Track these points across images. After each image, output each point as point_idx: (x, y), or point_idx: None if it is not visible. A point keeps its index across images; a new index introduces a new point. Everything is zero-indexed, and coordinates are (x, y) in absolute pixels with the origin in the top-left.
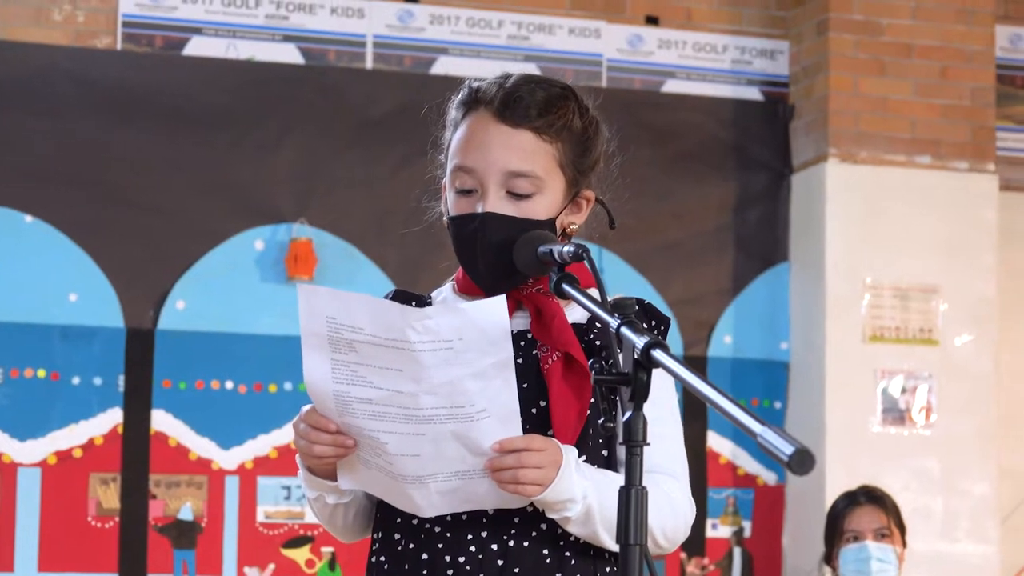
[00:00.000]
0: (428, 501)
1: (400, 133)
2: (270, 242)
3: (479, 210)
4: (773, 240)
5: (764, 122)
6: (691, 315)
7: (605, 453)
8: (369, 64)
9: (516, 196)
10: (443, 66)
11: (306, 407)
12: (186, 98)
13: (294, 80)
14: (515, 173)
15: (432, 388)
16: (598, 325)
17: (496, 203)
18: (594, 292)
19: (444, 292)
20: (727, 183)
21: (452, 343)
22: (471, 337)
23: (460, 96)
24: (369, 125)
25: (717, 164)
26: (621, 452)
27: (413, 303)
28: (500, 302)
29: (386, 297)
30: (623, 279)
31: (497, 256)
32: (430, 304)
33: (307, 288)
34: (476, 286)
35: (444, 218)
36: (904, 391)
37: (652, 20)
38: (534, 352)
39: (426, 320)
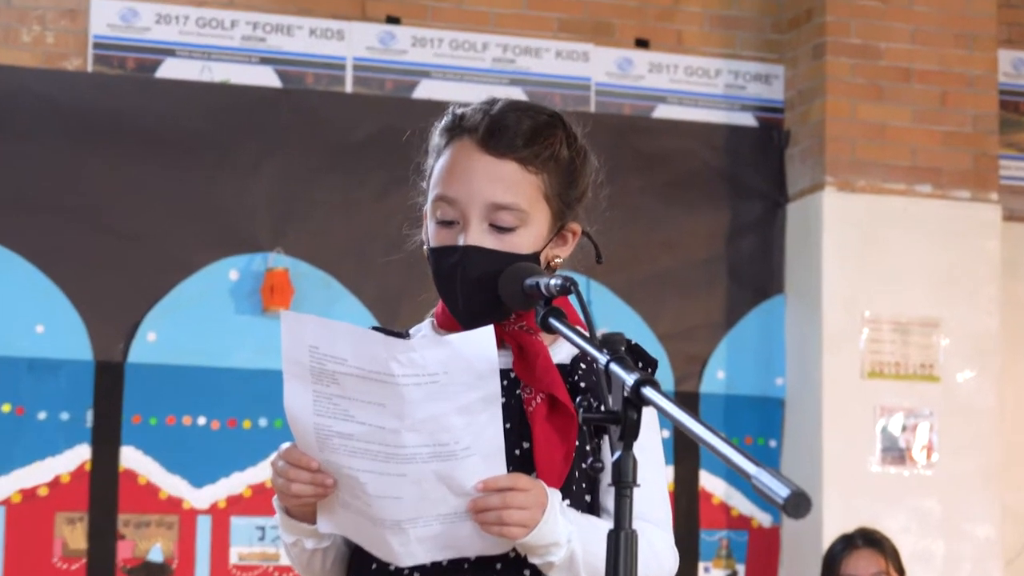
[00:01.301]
0: (407, 549)
1: (381, 159)
2: (245, 272)
3: (460, 242)
4: (768, 271)
5: (758, 149)
6: (682, 349)
7: (588, 498)
8: (349, 87)
9: (499, 229)
10: (426, 90)
11: (286, 444)
12: (159, 122)
13: (271, 104)
14: (498, 206)
15: (415, 424)
16: (583, 366)
17: (478, 236)
18: (581, 328)
19: (423, 328)
20: (720, 212)
21: (437, 376)
22: (457, 370)
23: (443, 122)
24: (349, 150)
25: (710, 192)
26: (605, 498)
27: None
28: (488, 333)
29: None
30: (612, 312)
31: (477, 291)
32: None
33: (291, 315)
34: (456, 322)
35: (424, 247)
36: (904, 429)
37: (642, 43)
38: (517, 392)
39: (411, 352)
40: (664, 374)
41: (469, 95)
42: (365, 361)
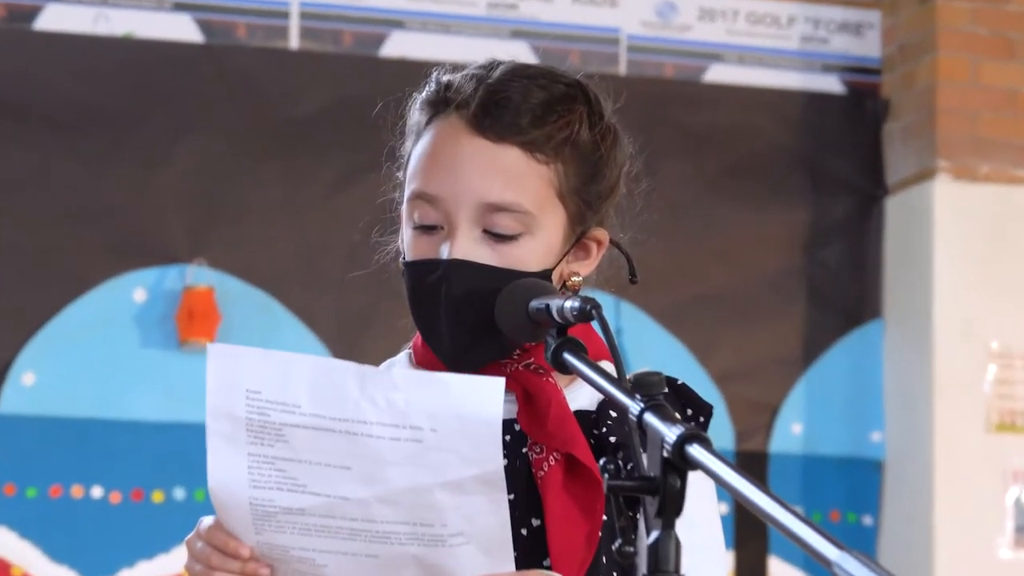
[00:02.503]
0: None
1: (338, 140)
2: (155, 291)
3: (444, 255)
4: (860, 289)
5: (847, 124)
6: (745, 395)
7: None
8: (294, 43)
9: (496, 237)
10: (398, 45)
11: (206, 520)
12: (36, 90)
13: (189, 65)
14: (495, 206)
15: (390, 495)
16: (613, 413)
17: (467, 246)
18: (608, 365)
19: (398, 366)
20: (795, 210)
21: (421, 433)
22: (448, 431)
23: (425, 93)
24: (294, 128)
25: (781, 184)
26: None
27: None
28: (495, 387)
29: None
30: (649, 344)
31: (466, 319)
32: None
33: (221, 349)
34: (439, 360)
35: (400, 260)
36: None
37: None
38: (523, 451)
39: (391, 392)
40: (720, 427)
41: (457, 53)
42: (327, 405)
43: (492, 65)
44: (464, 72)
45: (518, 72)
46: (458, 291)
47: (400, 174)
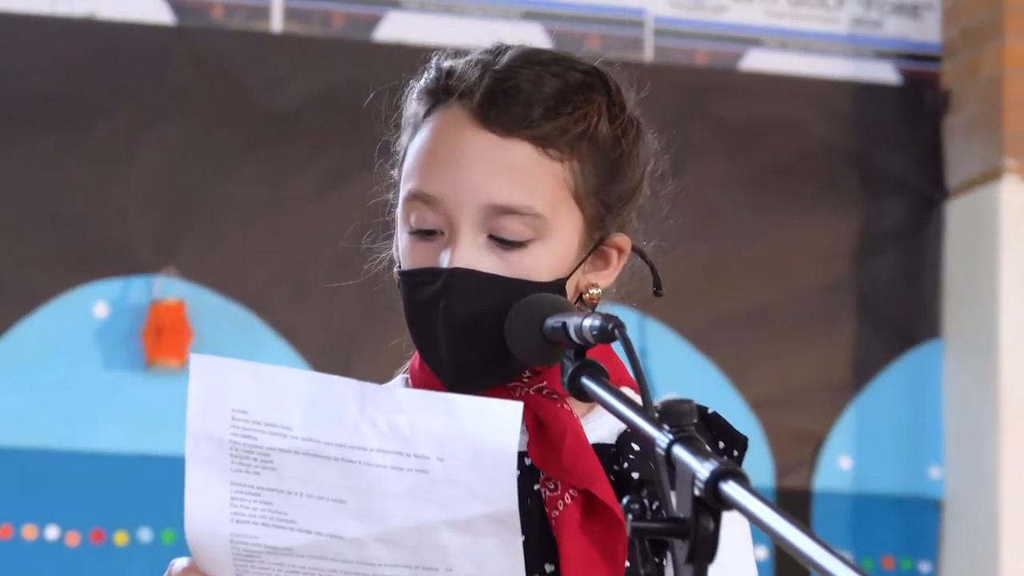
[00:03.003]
0: None
1: (327, 133)
2: (117, 306)
3: (444, 264)
4: (917, 305)
5: (902, 118)
6: (786, 424)
7: None
8: (277, 25)
9: (503, 243)
10: (393, 28)
11: (179, 562)
12: None
13: (159, 50)
14: (502, 208)
15: (389, 534)
16: (636, 447)
17: (471, 254)
18: (632, 392)
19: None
20: (843, 215)
21: (427, 463)
22: (458, 461)
23: (423, 81)
24: (277, 121)
25: (827, 185)
26: None
27: None
28: (512, 411)
29: None
30: (678, 368)
31: (470, 337)
32: None
33: (205, 361)
34: (440, 382)
35: (395, 269)
36: None
37: None
38: (535, 488)
39: (395, 414)
40: (758, 461)
41: (460, 36)
42: (322, 427)
43: (499, 50)
44: (468, 58)
45: (529, 58)
46: (460, 305)
47: (395, 172)
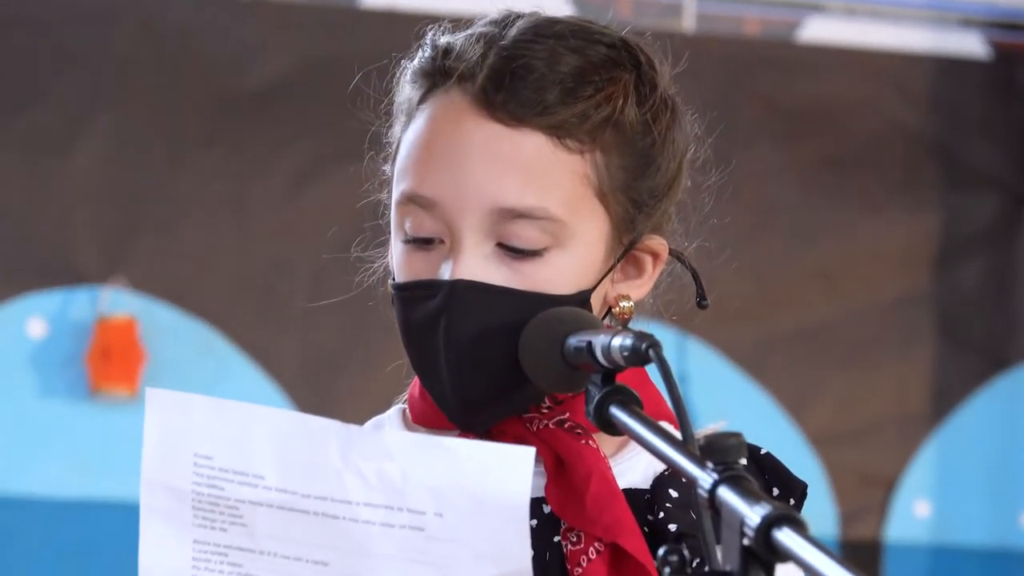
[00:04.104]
0: None
1: (304, 119)
2: (57, 323)
3: (444, 276)
4: (1007, 321)
5: (992, 99)
6: (853, 464)
7: None
8: None
9: (514, 252)
10: None
11: None
12: None
13: (105, 17)
14: (512, 212)
15: None
16: (674, 493)
17: (476, 264)
18: (670, 426)
19: (390, 424)
20: (921, 215)
21: (423, 519)
22: (458, 516)
23: (418, 61)
24: (245, 104)
25: (901, 179)
26: None
27: None
28: (524, 457)
29: None
30: (724, 396)
31: (477, 361)
32: None
33: (164, 396)
34: (443, 414)
35: (389, 282)
36: None
37: None
38: (555, 539)
39: (384, 462)
40: (820, 506)
41: (463, 6)
42: (299, 477)
43: (507, 21)
44: (469, 31)
45: (542, 30)
46: (464, 322)
47: (387, 167)
